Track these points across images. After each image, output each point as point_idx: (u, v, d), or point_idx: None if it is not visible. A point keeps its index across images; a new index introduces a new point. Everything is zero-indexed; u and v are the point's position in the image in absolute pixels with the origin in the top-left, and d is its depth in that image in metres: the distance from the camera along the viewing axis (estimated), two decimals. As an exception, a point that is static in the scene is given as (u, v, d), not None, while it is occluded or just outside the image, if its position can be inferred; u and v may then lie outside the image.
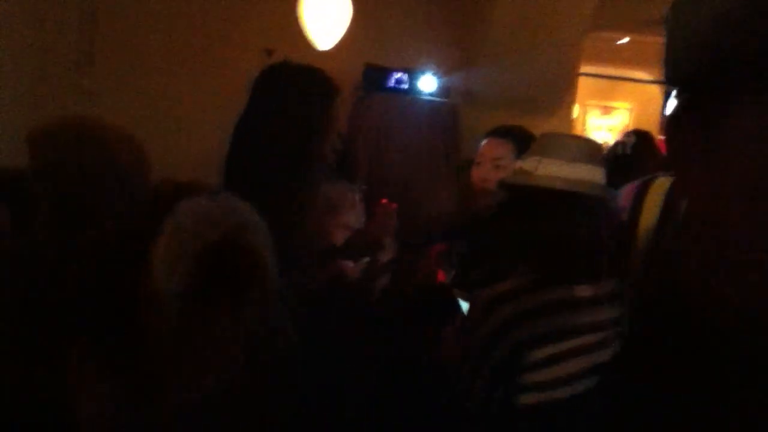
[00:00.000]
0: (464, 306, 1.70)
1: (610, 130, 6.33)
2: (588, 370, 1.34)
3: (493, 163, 1.98)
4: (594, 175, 1.42)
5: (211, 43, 3.61)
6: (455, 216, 3.05)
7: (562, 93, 3.86)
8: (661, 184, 2.02)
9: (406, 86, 3.87)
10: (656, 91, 6.10)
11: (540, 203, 1.38)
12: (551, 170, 1.39)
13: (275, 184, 1.57)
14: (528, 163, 1.42)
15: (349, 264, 1.89)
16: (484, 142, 2.06)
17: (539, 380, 1.31)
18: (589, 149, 1.45)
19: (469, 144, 3.56)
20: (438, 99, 3.87)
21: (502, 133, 2.04)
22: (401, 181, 3.50)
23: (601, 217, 1.40)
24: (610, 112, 6.30)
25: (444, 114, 3.82)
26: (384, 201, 1.93)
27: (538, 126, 2.06)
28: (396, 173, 3.57)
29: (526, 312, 1.30)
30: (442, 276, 2.06)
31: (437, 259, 2.08)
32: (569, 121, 4.05)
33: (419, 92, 3.87)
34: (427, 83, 3.87)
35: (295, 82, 1.70)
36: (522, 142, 1.96)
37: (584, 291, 1.36)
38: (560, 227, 1.39)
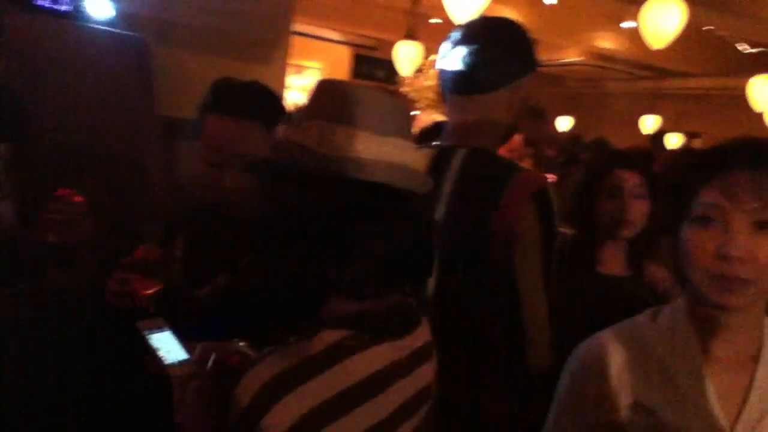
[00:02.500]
0: (159, 340, 1.07)
1: (304, 90, 5.96)
2: None
3: None
4: (418, 158, 0.95)
5: None
6: (173, 207, 2.19)
7: (280, 36, 3.23)
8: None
9: (67, 8, 2.76)
10: (345, 51, 5.94)
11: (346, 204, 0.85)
12: (364, 147, 0.85)
13: None
14: (312, 132, 0.86)
15: None
16: (209, 122, 1.31)
17: None
18: (406, 115, 0.95)
19: (166, 98, 2.72)
20: (119, 31, 2.84)
21: (244, 108, 1.31)
22: (84, 151, 2.35)
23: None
24: (302, 71, 5.91)
25: (132, 53, 2.79)
26: (64, 192, 1.33)
27: (250, 78, 1.40)
28: (76, 138, 2.37)
29: (330, 404, 0.81)
30: (144, 294, 1.30)
31: (142, 267, 1.31)
32: (283, 75, 3.44)
33: (87, 18, 2.81)
34: (99, 7, 2.83)
35: None
36: (272, 116, 1.33)
37: (402, 349, 0.94)
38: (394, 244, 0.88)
